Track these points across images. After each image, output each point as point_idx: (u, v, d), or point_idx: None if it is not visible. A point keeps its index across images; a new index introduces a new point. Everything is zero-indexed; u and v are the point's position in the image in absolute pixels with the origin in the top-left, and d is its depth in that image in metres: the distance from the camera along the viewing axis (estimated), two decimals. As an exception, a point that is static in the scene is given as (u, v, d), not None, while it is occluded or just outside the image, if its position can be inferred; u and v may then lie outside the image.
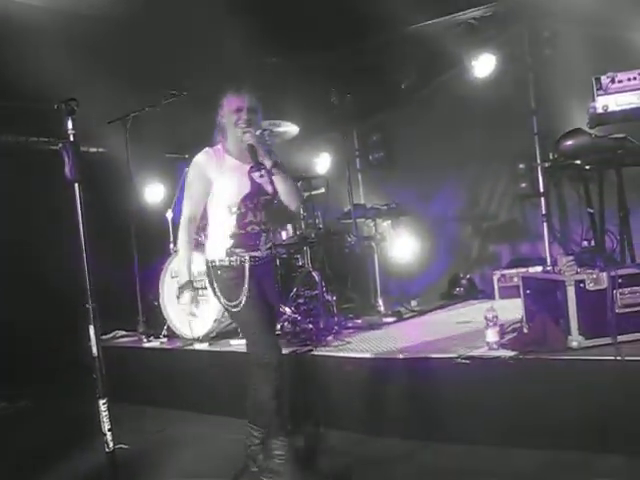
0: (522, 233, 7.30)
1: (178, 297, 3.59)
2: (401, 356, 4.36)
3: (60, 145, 2.76)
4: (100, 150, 7.10)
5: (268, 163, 3.49)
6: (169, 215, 6.00)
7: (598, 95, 4.34)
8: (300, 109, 6.06)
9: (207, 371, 5.20)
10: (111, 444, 2.94)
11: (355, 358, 4.52)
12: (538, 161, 6.75)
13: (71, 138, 2.83)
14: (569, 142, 4.53)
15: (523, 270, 6.09)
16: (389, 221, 6.72)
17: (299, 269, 5.90)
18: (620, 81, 4.30)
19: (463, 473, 3.59)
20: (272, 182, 3.50)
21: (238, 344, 5.27)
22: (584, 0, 5.75)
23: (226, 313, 5.23)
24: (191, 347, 5.49)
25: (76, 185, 2.84)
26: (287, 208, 3.74)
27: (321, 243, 6.03)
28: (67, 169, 2.76)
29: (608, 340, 3.72)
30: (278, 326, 5.04)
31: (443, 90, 7.31)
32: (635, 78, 4.27)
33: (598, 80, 4.34)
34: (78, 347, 3.81)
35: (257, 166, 3.43)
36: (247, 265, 3.51)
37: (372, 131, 8.30)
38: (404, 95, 7.49)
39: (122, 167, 6.09)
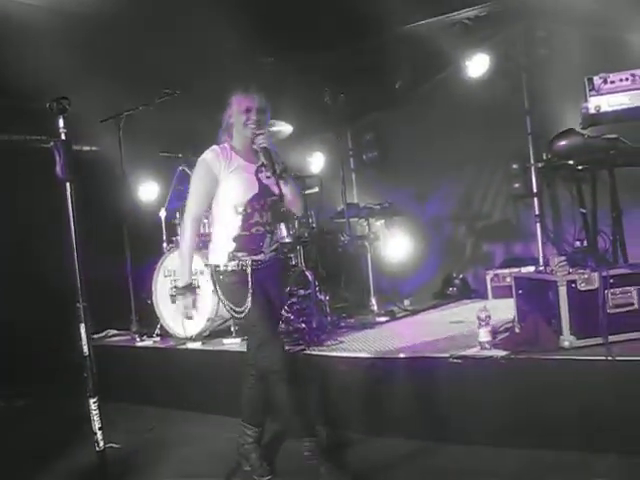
0: (515, 233, 7.32)
1: (173, 297, 3.54)
2: (393, 356, 4.37)
3: (51, 144, 2.75)
4: (94, 149, 7.07)
5: (278, 166, 3.47)
6: (162, 214, 5.99)
7: (590, 96, 4.35)
8: (294, 109, 6.05)
9: (200, 370, 5.18)
10: (101, 443, 2.94)
11: (348, 357, 4.51)
12: (532, 161, 6.76)
13: (62, 137, 2.82)
14: (562, 142, 4.54)
15: (516, 270, 6.11)
16: (382, 220, 6.73)
17: (292, 268, 5.90)
18: (612, 82, 4.30)
19: (450, 472, 3.59)
20: (278, 184, 3.46)
21: (231, 343, 5.29)
22: (578, 1, 5.76)
23: (219, 312, 5.27)
24: (184, 346, 5.48)
25: (67, 184, 2.83)
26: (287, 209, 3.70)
27: (314, 242, 6.04)
28: (58, 168, 2.76)
29: (599, 340, 3.73)
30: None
31: (437, 90, 7.31)
32: (627, 79, 4.28)
33: (590, 81, 4.35)
34: (76, 347, 3.81)
35: (269, 168, 3.41)
36: (249, 270, 3.47)
37: (366, 131, 8.29)
38: (398, 95, 7.49)
39: (116, 166, 6.07)
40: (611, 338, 3.70)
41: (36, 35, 5.15)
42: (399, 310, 6.30)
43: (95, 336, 6.12)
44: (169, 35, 5.76)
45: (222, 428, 4.51)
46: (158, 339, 5.81)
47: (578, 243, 4.51)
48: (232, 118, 3.57)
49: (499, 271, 6.51)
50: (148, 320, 5.96)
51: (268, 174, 3.43)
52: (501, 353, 3.91)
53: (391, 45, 6.75)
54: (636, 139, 4.48)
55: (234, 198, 3.47)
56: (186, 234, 3.53)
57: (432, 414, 4.04)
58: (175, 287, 4.96)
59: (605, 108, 4.32)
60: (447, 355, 4.06)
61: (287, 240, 5.65)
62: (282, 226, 5.84)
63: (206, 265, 3.81)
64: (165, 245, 5.95)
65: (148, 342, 5.82)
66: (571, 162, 4.50)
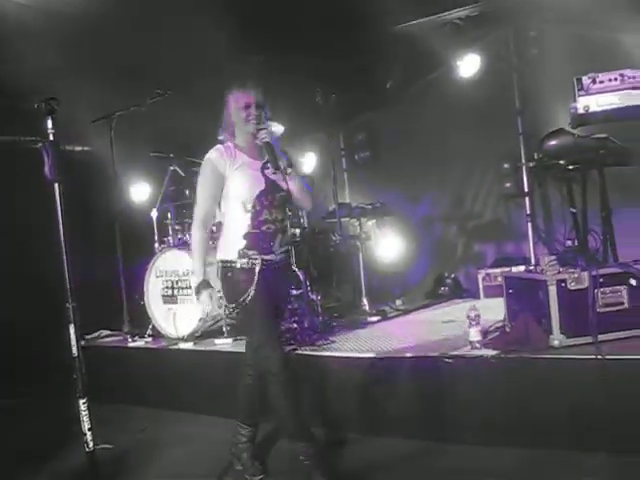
0: (507, 232, 7.32)
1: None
2: (384, 355, 4.38)
3: (40, 144, 2.75)
4: (85, 149, 7.05)
5: (283, 161, 3.46)
6: (154, 214, 5.99)
7: (579, 96, 4.37)
8: (285, 109, 6.04)
9: (192, 370, 5.18)
10: (91, 444, 2.94)
11: (339, 357, 4.52)
12: (523, 161, 6.77)
13: (51, 137, 2.81)
14: (552, 142, 4.55)
15: (507, 269, 6.12)
16: (374, 220, 6.74)
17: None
18: (601, 82, 4.32)
19: (441, 472, 3.60)
20: (285, 179, 3.44)
21: (223, 343, 5.28)
22: (569, 1, 5.78)
23: (211, 312, 5.26)
24: (176, 347, 5.47)
25: (56, 185, 2.83)
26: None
27: (306, 242, 6.03)
28: (47, 168, 2.76)
29: (589, 339, 3.75)
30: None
31: (428, 90, 7.32)
32: (616, 79, 4.30)
33: (579, 81, 4.37)
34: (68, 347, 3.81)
35: (273, 163, 3.39)
36: (257, 269, 3.43)
37: (357, 131, 8.29)
38: (389, 95, 7.49)
39: (107, 166, 6.05)
40: (601, 337, 3.71)
41: (28, 35, 5.13)
42: (391, 310, 6.31)
43: (88, 337, 6.13)
44: (157, 35, 5.74)
45: (214, 428, 4.52)
46: (150, 339, 5.80)
47: (569, 242, 4.52)
48: (232, 116, 3.55)
49: (491, 270, 6.52)
50: (140, 320, 5.96)
51: (274, 170, 3.41)
52: (491, 352, 3.93)
53: (382, 45, 6.73)
54: (626, 139, 4.50)
55: (241, 195, 3.45)
56: (196, 233, 3.49)
57: (426, 414, 4.04)
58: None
59: (594, 108, 4.34)
60: (438, 355, 4.07)
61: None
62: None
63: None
64: (157, 245, 5.95)
65: (140, 342, 5.80)
66: (561, 162, 4.51)
